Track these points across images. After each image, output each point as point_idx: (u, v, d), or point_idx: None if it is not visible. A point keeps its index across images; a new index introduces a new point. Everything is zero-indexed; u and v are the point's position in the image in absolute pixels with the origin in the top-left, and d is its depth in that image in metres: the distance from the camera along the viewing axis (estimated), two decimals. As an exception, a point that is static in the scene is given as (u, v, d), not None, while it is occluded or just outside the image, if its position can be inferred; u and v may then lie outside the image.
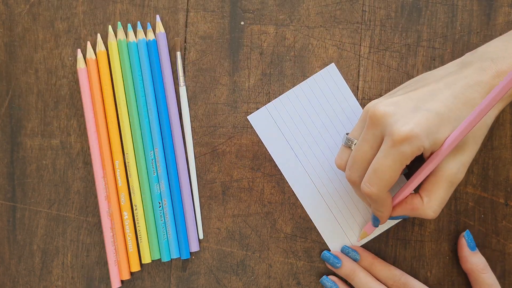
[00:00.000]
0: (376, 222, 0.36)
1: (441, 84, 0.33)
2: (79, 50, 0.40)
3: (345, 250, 0.39)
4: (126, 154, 0.40)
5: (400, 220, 0.39)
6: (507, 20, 0.40)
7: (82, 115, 0.41)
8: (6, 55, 0.41)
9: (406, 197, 0.35)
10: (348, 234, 0.40)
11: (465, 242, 0.38)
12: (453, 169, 0.33)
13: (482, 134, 0.34)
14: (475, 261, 0.38)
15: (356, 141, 0.35)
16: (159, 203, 0.40)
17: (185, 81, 0.41)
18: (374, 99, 0.40)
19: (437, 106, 0.32)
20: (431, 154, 0.33)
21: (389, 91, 0.40)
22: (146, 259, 0.40)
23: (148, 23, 0.40)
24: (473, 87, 0.33)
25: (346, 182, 0.40)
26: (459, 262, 0.39)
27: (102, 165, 0.40)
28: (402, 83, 0.40)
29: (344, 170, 0.36)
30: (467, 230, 0.39)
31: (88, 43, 0.40)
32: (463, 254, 0.38)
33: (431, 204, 0.33)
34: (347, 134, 0.37)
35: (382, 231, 0.40)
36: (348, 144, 0.36)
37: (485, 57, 0.34)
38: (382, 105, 0.33)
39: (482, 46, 0.36)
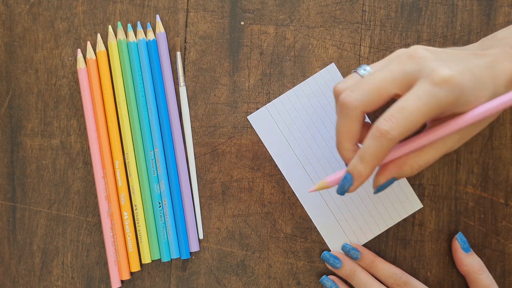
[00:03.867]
0: (345, 186, 0.31)
1: (471, 54, 0.31)
2: (79, 50, 0.40)
3: (346, 248, 0.39)
4: (126, 154, 0.40)
5: (380, 190, 0.33)
6: (507, 20, 0.40)
7: (82, 115, 0.41)
8: (6, 55, 0.41)
9: (400, 156, 0.31)
10: (348, 234, 0.40)
11: (458, 244, 0.38)
12: (452, 140, 0.31)
13: (491, 119, 0.33)
14: (470, 263, 0.38)
15: (372, 72, 0.31)
16: (159, 203, 0.40)
17: (185, 81, 0.41)
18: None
19: (473, 67, 0.30)
20: (448, 117, 0.30)
21: (389, 91, 0.40)
22: (146, 259, 0.40)
23: (148, 23, 0.40)
24: (501, 67, 0.31)
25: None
26: (456, 265, 0.39)
27: (102, 165, 0.40)
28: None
29: (338, 95, 0.31)
30: (460, 232, 0.39)
31: (88, 43, 0.40)
32: (458, 257, 0.38)
33: (414, 160, 0.31)
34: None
35: (382, 231, 0.40)
36: (361, 73, 0.31)
37: (505, 42, 0.33)
38: (421, 48, 0.30)
39: (498, 31, 0.35)
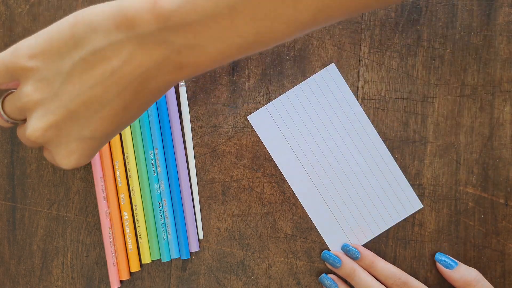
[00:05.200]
0: None
1: None
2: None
3: (345, 248, 0.39)
4: (126, 154, 0.40)
5: None
6: (507, 20, 0.40)
7: (82, 115, 0.41)
8: (6, 55, 0.41)
9: None
10: (348, 234, 0.40)
11: (440, 265, 0.38)
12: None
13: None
14: (460, 277, 0.37)
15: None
16: (159, 203, 0.40)
17: (185, 81, 0.41)
18: (374, 99, 0.40)
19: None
20: None
21: (389, 91, 0.40)
22: (146, 259, 0.40)
23: (148, 23, 0.40)
24: None
25: (346, 182, 0.40)
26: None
27: (101, 165, 0.40)
28: (402, 83, 0.40)
29: None
30: (437, 252, 0.39)
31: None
32: (446, 276, 0.38)
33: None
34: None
35: (382, 231, 0.40)
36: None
37: None
38: (40, 130, 0.27)
39: None
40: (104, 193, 0.40)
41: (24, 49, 0.26)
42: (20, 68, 0.26)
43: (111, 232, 0.40)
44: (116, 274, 0.39)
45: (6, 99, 0.29)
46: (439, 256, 0.39)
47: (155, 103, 0.40)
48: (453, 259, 0.39)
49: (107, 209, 0.40)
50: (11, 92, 0.30)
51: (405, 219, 0.40)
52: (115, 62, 0.24)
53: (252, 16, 0.23)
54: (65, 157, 0.27)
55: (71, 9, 0.41)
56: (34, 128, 0.26)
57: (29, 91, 0.26)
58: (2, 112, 0.29)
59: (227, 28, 0.23)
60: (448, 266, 0.38)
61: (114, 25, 0.24)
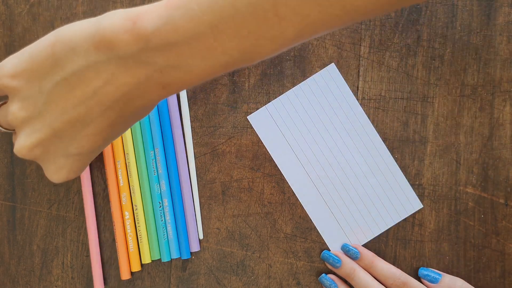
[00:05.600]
0: None
1: None
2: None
3: (345, 248, 0.39)
4: (127, 154, 0.40)
5: None
6: (507, 20, 0.40)
7: (82, 115, 0.41)
8: (6, 55, 0.41)
9: None
10: (348, 234, 0.40)
11: (425, 281, 0.38)
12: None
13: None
14: None
15: None
16: (159, 203, 0.40)
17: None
18: (374, 99, 0.40)
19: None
20: None
21: (389, 91, 0.40)
22: (146, 259, 0.40)
23: (148, 23, 0.40)
24: None
25: (346, 182, 0.40)
26: None
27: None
28: (402, 83, 0.40)
29: None
30: (420, 268, 0.39)
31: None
32: None
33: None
34: None
35: (382, 231, 0.40)
36: None
37: None
38: (26, 149, 0.28)
39: None
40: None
41: (7, 68, 0.26)
42: (4, 87, 0.26)
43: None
44: (100, 277, 0.39)
45: (0, 108, 0.30)
46: (423, 271, 0.38)
47: (155, 103, 0.40)
48: (436, 271, 0.38)
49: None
50: (5, 102, 0.30)
51: (405, 219, 0.40)
52: (96, 82, 0.24)
53: (236, 34, 0.22)
54: (54, 172, 0.28)
55: (71, 9, 0.41)
56: (21, 145, 0.27)
57: (15, 109, 0.27)
58: None
59: (210, 47, 0.22)
60: (432, 280, 0.38)
61: (93, 46, 0.23)
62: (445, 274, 0.38)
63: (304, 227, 0.40)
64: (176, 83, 0.24)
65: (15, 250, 0.41)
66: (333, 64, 0.40)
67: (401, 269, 0.39)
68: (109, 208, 0.40)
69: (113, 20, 0.23)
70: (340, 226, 0.40)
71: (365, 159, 0.40)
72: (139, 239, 0.40)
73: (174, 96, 0.40)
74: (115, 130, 0.26)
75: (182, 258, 0.40)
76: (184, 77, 0.24)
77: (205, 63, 0.23)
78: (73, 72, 0.24)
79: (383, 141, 0.40)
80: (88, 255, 0.41)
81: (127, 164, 0.40)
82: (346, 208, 0.40)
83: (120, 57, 0.23)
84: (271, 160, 0.40)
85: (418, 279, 0.40)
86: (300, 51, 0.40)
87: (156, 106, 0.40)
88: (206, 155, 0.41)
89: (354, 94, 0.40)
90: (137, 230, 0.40)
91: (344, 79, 0.40)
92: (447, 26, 0.40)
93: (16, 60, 0.26)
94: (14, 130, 0.30)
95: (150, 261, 0.40)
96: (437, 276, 0.38)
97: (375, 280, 0.38)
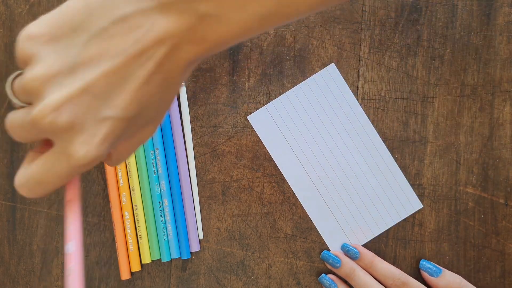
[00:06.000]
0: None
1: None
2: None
3: (345, 248, 0.39)
4: (126, 154, 0.40)
5: None
6: (507, 20, 0.40)
7: (82, 115, 0.41)
8: (6, 55, 0.41)
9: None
10: (348, 234, 0.40)
11: (425, 273, 0.38)
12: (146, 134, 0.26)
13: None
14: (445, 284, 0.37)
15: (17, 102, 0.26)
16: (159, 203, 0.40)
17: (185, 81, 0.41)
18: (374, 99, 0.40)
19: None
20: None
21: (389, 91, 0.40)
22: (146, 259, 0.40)
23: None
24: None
25: (346, 182, 0.40)
26: None
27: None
28: (402, 83, 0.40)
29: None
30: (421, 259, 0.39)
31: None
32: (431, 284, 0.38)
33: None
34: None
35: (382, 231, 0.40)
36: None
37: None
38: (51, 117, 0.23)
39: None
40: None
41: (30, 26, 0.24)
42: (28, 43, 0.23)
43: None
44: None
45: (15, 80, 0.25)
46: (424, 263, 0.38)
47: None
48: (437, 265, 0.39)
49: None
50: (21, 73, 0.25)
51: (405, 219, 0.40)
52: (138, 30, 0.22)
53: None
54: (83, 143, 0.22)
55: (71, 9, 0.41)
56: (46, 105, 0.22)
57: (37, 70, 0.23)
58: (11, 94, 0.25)
59: None
60: (433, 274, 0.38)
61: None
62: (445, 269, 0.38)
63: (304, 227, 0.40)
64: (213, 38, 0.23)
65: (15, 250, 0.41)
66: (333, 64, 0.40)
67: (401, 269, 0.39)
68: (109, 208, 0.40)
69: None
70: (340, 226, 0.40)
71: (365, 159, 0.40)
72: (139, 239, 0.40)
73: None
74: (150, 90, 0.24)
75: (182, 258, 0.40)
76: (221, 29, 0.23)
77: (243, 14, 0.23)
78: (112, 21, 0.23)
79: (383, 141, 0.40)
80: (88, 255, 0.41)
81: (127, 164, 0.40)
82: (346, 208, 0.40)
83: (164, 4, 0.22)
84: (271, 160, 0.40)
85: (418, 278, 0.40)
86: (300, 51, 0.40)
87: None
88: (206, 155, 0.41)
89: (354, 94, 0.40)
90: (137, 230, 0.40)
91: (344, 79, 0.40)
92: (447, 26, 0.40)
93: (40, 19, 0.24)
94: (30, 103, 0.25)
95: (150, 261, 0.40)
96: (438, 271, 0.38)
97: (375, 280, 0.38)
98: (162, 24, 0.23)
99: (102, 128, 0.23)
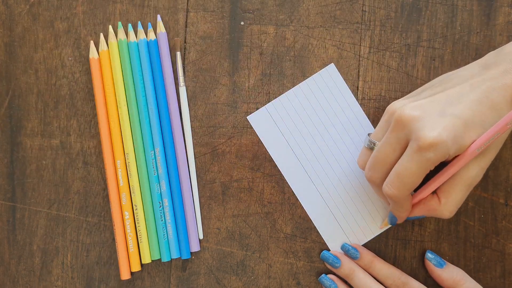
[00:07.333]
0: (393, 220, 0.37)
1: (466, 86, 0.33)
2: (91, 42, 0.40)
3: (345, 248, 0.39)
4: (127, 154, 0.40)
5: (416, 219, 0.39)
6: (507, 20, 0.40)
7: (82, 115, 0.41)
8: (6, 55, 0.41)
9: (424, 198, 0.35)
10: (348, 234, 0.40)
11: (430, 263, 0.38)
12: (472, 173, 0.33)
13: (503, 138, 0.34)
14: (449, 277, 0.38)
15: (378, 143, 0.35)
16: (160, 203, 0.40)
17: (185, 81, 0.41)
18: (374, 99, 0.40)
19: (462, 110, 0.32)
20: (454, 158, 0.33)
21: (389, 91, 0.40)
22: (146, 259, 0.40)
23: (149, 23, 0.40)
24: (498, 91, 0.32)
25: (346, 182, 0.40)
26: (436, 282, 0.39)
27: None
28: (402, 83, 0.40)
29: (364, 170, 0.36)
30: (427, 250, 0.39)
31: (92, 42, 0.40)
32: (435, 275, 0.38)
33: (448, 205, 0.34)
34: (369, 135, 0.36)
35: (382, 231, 0.40)
36: (370, 146, 0.35)
37: (509, 58, 0.33)
38: (408, 108, 0.32)
39: (506, 45, 0.35)
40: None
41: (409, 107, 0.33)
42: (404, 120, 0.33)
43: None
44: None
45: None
46: (429, 254, 0.39)
47: (155, 103, 0.40)
48: (441, 258, 0.39)
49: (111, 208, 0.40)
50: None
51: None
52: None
53: None
54: (431, 130, 0.31)
55: (71, 9, 0.41)
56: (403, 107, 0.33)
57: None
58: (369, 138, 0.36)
59: None
60: (437, 265, 0.38)
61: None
62: (448, 263, 0.38)
63: (304, 227, 0.40)
64: None
65: (15, 250, 0.41)
66: (332, 64, 0.40)
67: (401, 269, 0.39)
68: (109, 208, 0.40)
69: None
70: (340, 226, 0.40)
71: (365, 159, 0.40)
72: (139, 239, 0.40)
73: (174, 96, 0.40)
74: (479, 110, 0.32)
75: (182, 258, 0.40)
76: None
77: None
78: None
79: (383, 141, 0.40)
80: (88, 255, 0.41)
81: (127, 164, 0.40)
82: (346, 208, 0.40)
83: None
84: (271, 160, 0.40)
85: (418, 278, 0.40)
86: (300, 51, 0.40)
87: (156, 106, 0.40)
88: (206, 155, 0.41)
89: (354, 94, 0.40)
90: (137, 230, 0.40)
91: (344, 79, 0.40)
92: (447, 26, 0.40)
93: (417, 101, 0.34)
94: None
95: (150, 261, 0.40)
96: (442, 263, 0.38)
97: (375, 280, 0.38)
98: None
99: (444, 120, 0.31)
